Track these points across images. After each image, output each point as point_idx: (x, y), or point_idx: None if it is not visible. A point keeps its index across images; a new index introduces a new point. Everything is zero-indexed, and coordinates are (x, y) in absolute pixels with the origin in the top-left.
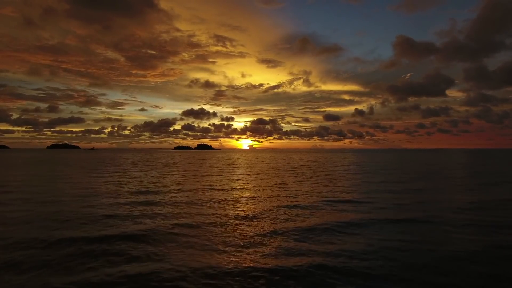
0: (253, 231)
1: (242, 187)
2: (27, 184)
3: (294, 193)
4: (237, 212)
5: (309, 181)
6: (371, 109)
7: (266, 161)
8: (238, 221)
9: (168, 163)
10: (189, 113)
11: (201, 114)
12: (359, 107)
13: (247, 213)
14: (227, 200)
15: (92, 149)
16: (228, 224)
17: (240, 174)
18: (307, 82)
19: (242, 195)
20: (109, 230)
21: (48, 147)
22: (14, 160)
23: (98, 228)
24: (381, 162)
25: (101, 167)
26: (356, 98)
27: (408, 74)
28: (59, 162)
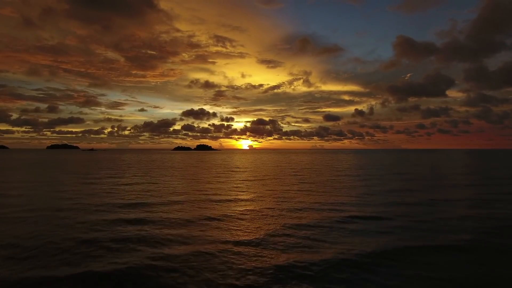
0: (258, 266)
1: (242, 197)
2: (1, 194)
3: (301, 206)
4: (238, 235)
5: (316, 189)
6: (371, 109)
7: (267, 164)
8: (239, 248)
9: (165, 165)
10: (189, 113)
11: (201, 114)
12: (359, 107)
13: (250, 236)
14: (226, 217)
15: (91, 149)
16: (227, 253)
17: (240, 180)
18: (307, 82)
19: (243, 208)
20: (73, 268)
21: (48, 147)
22: (7, 162)
23: (61, 264)
24: (387, 164)
25: (95, 171)
26: (356, 99)
27: (408, 75)
28: (52, 164)
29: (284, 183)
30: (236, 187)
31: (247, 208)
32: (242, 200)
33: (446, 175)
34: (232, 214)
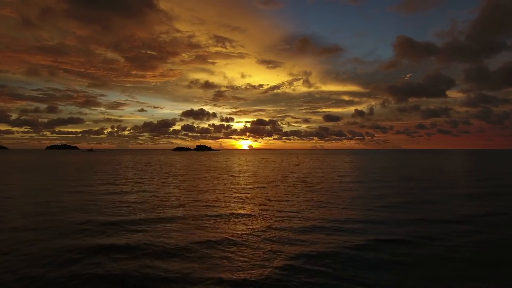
0: None
1: (242, 211)
2: None
3: (310, 225)
4: (239, 272)
5: (324, 201)
6: (371, 109)
7: (268, 167)
8: None
9: (162, 168)
10: (188, 113)
11: (200, 114)
12: (359, 107)
13: (253, 275)
14: (225, 243)
15: (91, 150)
16: None
17: (239, 187)
18: (307, 82)
19: (243, 228)
20: None
21: (47, 147)
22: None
23: None
24: (392, 167)
25: (87, 176)
26: (356, 99)
27: (408, 75)
28: (45, 168)
29: (287, 192)
30: (235, 197)
31: (248, 228)
32: (242, 216)
33: (461, 181)
34: (232, 238)
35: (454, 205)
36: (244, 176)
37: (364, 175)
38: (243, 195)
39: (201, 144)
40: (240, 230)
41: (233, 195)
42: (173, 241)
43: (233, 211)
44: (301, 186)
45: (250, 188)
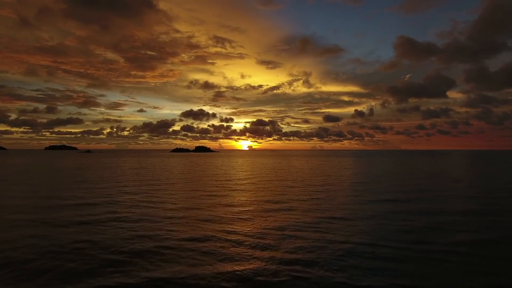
0: None
1: (243, 239)
2: None
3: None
4: None
5: (341, 230)
6: (371, 110)
7: (269, 172)
8: None
9: (153, 175)
10: (188, 114)
11: (200, 115)
12: (359, 108)
13: None
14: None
15: (88, 151)
16: None
17: (237, 205)
18: (307, 83)
19: (244, 268)
20: None
21: (46, 148)
22: None
23: None
24: (398, 172)
25: (69, 185)
26: (356, 99)
27: (408, 75)
28: (32, 175)
29: (294, 215)
30: (233, 221)
31: (248, 267)
32: (241, 255)
33: (477, 189)
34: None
35: (474, 230)
36: (242, 190)
37: (371, 183)
38: (241, 220)
39: (200, 145)
40: (239, 275)
41: (230, 218)
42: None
43: (229, 239)
44: (307, 204)
45: (249, 209)
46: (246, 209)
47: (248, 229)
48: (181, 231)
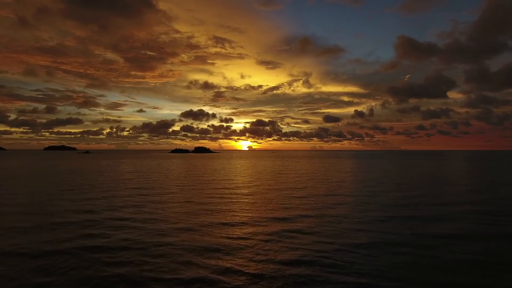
0: None
1: (243, 277)
2: None
3: None
4: None
5: (359, 260)
6: (371, 110)
7: (271, 177)
8: None
9: (148, 181)
10: (188, 114)
11: (200, 115)
12: (359, 108)
13: None
14: None
15: (87, 151)
16: None
17: (236, 220)
18: (307, 83)
19: None
20: None
21: (45, 148)
22: None
23: None
24: (404, 176)
25: (54, 192)
26: (356, 100)
27: (408, 76)
28: (20, 180)
29: (303, 241)
30: (231, 245)
31: None
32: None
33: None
34: None
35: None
36: (241, 200)
37: (379, 193)
38: (241, 243)
39: (200, 145)
40: None
41: (227, 243)
42: None
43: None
44: (314, 221)
45: (249, 224)
46: (245, 231)
47: (248, 264)
48: (169, 267)
